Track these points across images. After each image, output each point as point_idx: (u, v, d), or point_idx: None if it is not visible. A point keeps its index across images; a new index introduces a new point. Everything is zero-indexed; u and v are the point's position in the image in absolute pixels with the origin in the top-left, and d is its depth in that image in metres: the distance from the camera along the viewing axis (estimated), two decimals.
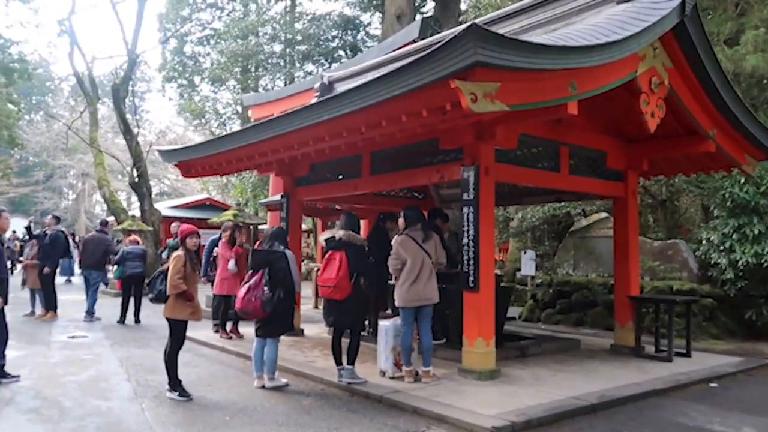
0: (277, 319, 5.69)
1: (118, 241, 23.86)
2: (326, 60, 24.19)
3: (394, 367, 5.88)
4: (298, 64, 25.30)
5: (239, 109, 28.59)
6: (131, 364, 6.90)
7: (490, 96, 4.63)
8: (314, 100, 9.19)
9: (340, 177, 8.13)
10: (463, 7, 22.38)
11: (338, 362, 5.91)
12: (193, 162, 8.62)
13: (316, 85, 10.57)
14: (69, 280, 19.09)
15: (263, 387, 5.76)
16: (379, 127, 5.46)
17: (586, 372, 6.38)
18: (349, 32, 24.30)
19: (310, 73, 23.67)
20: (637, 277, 7.86)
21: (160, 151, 9.00)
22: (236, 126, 28.30)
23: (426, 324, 5.81)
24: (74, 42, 21.36)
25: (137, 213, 19.63)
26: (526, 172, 6.63)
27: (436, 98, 4.78)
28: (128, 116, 19.86)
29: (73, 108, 38.17)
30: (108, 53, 52.32)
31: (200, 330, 8.88)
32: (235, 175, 26.18)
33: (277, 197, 15.59)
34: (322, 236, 6.39)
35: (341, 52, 23.41)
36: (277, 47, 26.20)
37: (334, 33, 24.70)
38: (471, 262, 5.95)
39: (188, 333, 8.68)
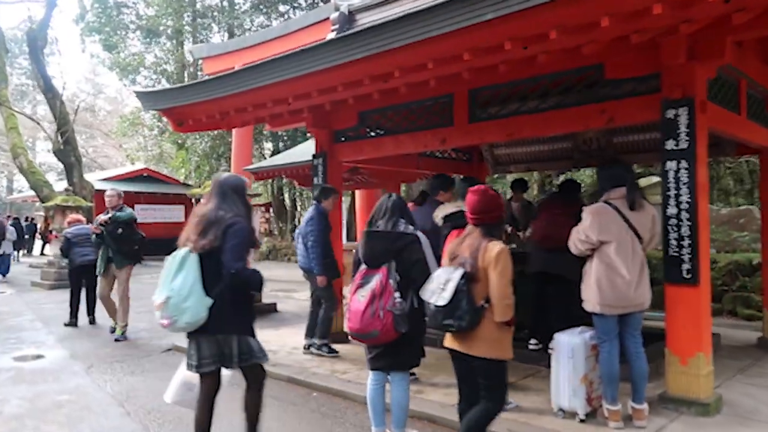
0: (411, 342, 3.56)
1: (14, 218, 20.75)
2: (281, 9, 21.24)
3: (586, 403, 3.88)
4: (243, 17, 22.17)
5: (169, 68, 25.13)
6: (142, 409, 4.49)
7: None
8: (331, 35, 6.95)
9: (410, 128, 5.91)
10: None
11: None
12: (190, 109, 6.12)
13: (333, 16, 8.16)
14: None
15: None
16: (591, 29, 3.37)
17: None
18: None
19: (264, 26, 20.66)
20: None
21: (139, 94, 6.40)
22: (167, 85, 24.84)
23: (636, 339, 3.86)
24: None
25: (58, 187, 16.48)
26: (722, 115, 4.69)
27: None
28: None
29: None
30: None
31: None
32: (171, 142, 23.01)
33: (269, 162, 13.07)
34: (442, 210, 4.36)
35: (300, 1, 20.57)
36: None
37: None
38: (685, 242, 4.01)
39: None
